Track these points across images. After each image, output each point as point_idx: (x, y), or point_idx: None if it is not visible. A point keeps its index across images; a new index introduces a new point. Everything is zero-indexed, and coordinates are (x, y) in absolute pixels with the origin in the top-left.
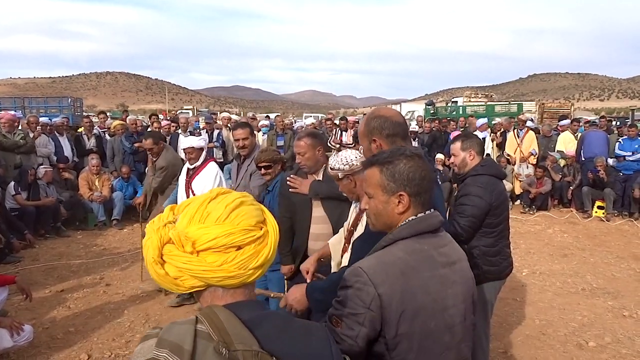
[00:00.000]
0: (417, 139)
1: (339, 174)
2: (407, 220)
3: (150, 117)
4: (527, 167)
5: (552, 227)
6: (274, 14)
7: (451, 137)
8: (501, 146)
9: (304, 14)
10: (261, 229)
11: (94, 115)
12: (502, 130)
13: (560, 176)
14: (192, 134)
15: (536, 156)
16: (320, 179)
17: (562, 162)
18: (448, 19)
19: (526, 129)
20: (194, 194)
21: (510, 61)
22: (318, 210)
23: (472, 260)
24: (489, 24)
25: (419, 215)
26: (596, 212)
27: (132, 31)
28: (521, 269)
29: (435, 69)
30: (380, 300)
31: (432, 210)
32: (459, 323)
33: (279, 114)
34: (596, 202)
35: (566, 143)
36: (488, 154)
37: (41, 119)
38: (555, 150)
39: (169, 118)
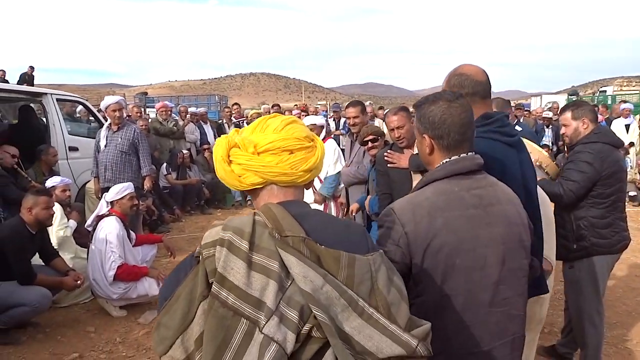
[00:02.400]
0: (550, 126)
1: None
2: (442, 162)
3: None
4: None
5: None
6: (407, 9)
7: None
8: None
9: (439, 7)
10: (309, 142)
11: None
12: None
13: None
14: None
15: None
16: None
17: None
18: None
19: None
20: None
21: None
22: None
23: (579, 232)
24: None
25: (453, 157)
26: None
27: (272, 33)
28: None
29: (583, 59)
30: (407, 238)
31: (471, 153)
32: (495, 264)
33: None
34: None
35: None
36: (632, 142)
37: (189, 109)
38: None
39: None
